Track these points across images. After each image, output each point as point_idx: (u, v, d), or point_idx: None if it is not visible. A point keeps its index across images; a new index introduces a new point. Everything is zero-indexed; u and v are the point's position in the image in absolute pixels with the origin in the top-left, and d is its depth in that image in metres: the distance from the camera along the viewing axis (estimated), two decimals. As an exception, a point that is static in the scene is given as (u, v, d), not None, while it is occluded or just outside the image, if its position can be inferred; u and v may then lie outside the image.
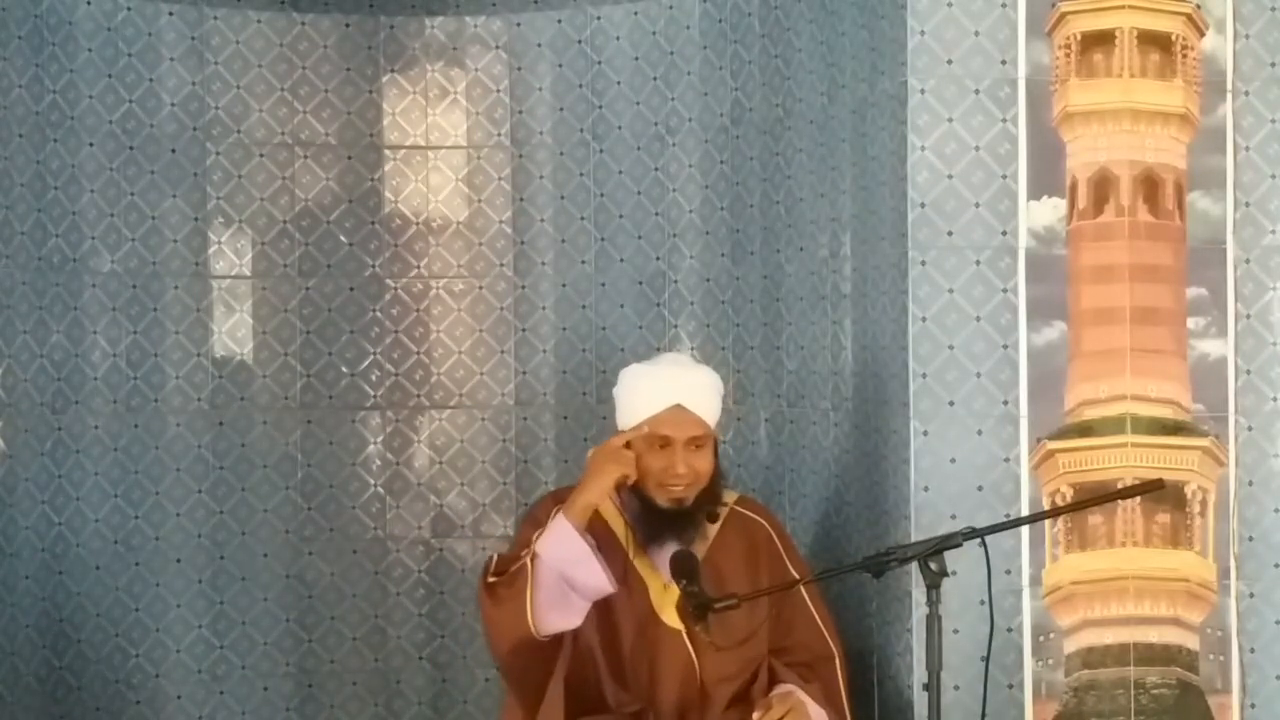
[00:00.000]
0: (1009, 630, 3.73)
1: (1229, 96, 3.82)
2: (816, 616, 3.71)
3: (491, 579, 3.55)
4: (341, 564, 4.61)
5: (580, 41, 4.59)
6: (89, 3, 4.42)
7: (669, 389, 3.63)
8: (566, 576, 3.48)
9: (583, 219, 4.62)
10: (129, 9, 4.45)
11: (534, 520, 3.68)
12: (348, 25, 4.60)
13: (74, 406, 4.44)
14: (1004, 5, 3.73)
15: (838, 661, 3.69)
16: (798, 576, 3.70)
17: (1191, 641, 3.82)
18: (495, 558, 3.62)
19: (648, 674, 3.63)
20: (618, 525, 3.69)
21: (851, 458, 4.01)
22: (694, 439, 3.61)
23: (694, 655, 3.62)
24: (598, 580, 3.49)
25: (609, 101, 4.58)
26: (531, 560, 3.48)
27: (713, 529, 3.71)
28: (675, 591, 3.60)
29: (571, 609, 3.51)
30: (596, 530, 3.66)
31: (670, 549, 3.61)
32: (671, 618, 3.61)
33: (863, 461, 3.95)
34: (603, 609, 3.61)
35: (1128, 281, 3.78)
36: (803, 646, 3.69)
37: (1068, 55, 3.76)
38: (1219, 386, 3.83)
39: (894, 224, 3.78)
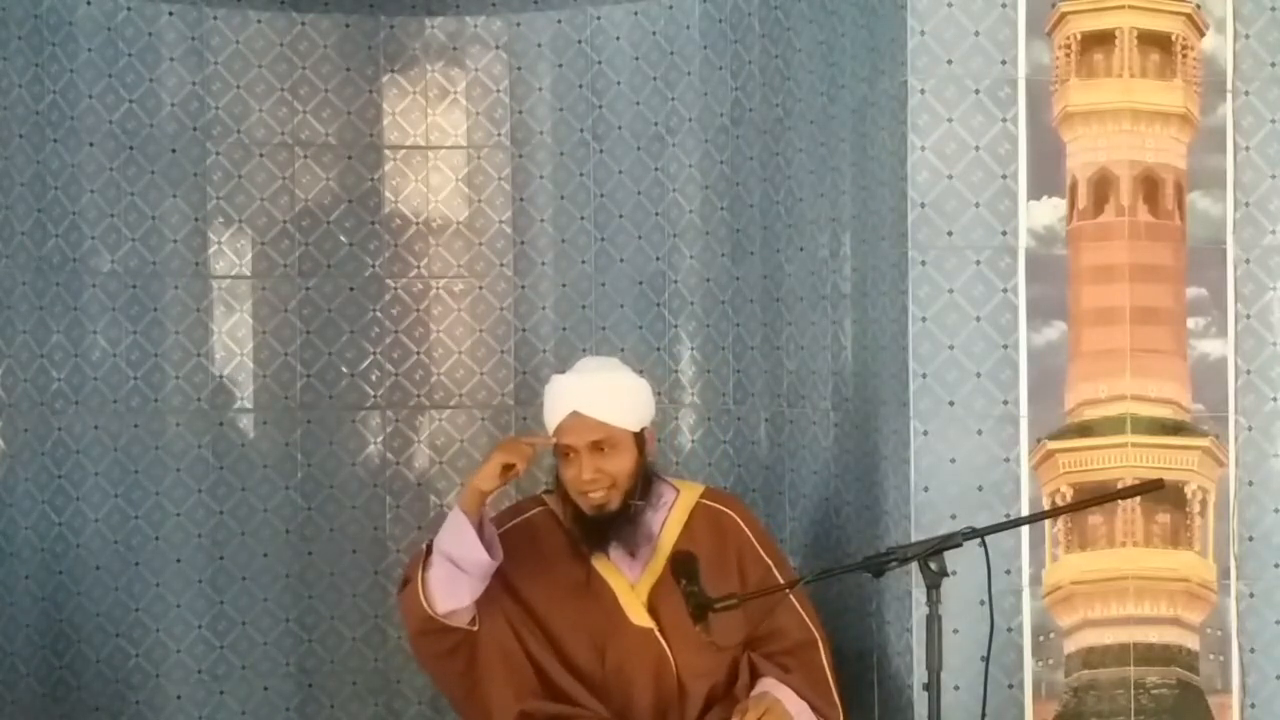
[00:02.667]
0: (1009, 630, 3.73)
1: (1229, 96, 3.82)
2: (795, 602, 3.68)
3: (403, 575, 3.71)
4: (341, 564, 4.61)
5: (580, 41, 4.59)
6: (89, 3, 4.42)
7: (563, 398, 3.66)
8: (452, 555, 3.54)
9: (583, 219, 4.62)
10: (129, 9, 4.45)
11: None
12: (348, 25, 4.60)
13: (74, 406, 4.44)
14: (1004, 5, 3.73)
15: (820, 646, 3.69)
16: (770, 561, 3.72)
17: (1191, 641, 3.82)
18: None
19: (621, 677, 3.62)
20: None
21: (851, 458, 4.01)
22: (595, 443, 3.62)
23: (669, 652, 3.62)
24: (475, 552, 3.53)
25: (609, 101, 4.58)
26: (427, 545, 3.60)
27: (679, 523, 3.70)
28: (644, 590, 3.62)
29: (459, 586, 3.56)
30: (556, 538, 3.68)
31: (622, 550, 3.63)
32: (641, 617, 3.62)
33: (863, 461, 3.95)
34: (568, 618, 3.62)
35: (1128, 281, 3.78)
36: (783, 634, 3.68)
37: (1068, 55, 3.76)
38: (1219, 386, 3.83)
39: (894, 224, 3.78)
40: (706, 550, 3.65)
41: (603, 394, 3.65)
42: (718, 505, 3.79)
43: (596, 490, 3.61)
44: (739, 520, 3.77)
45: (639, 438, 3.67)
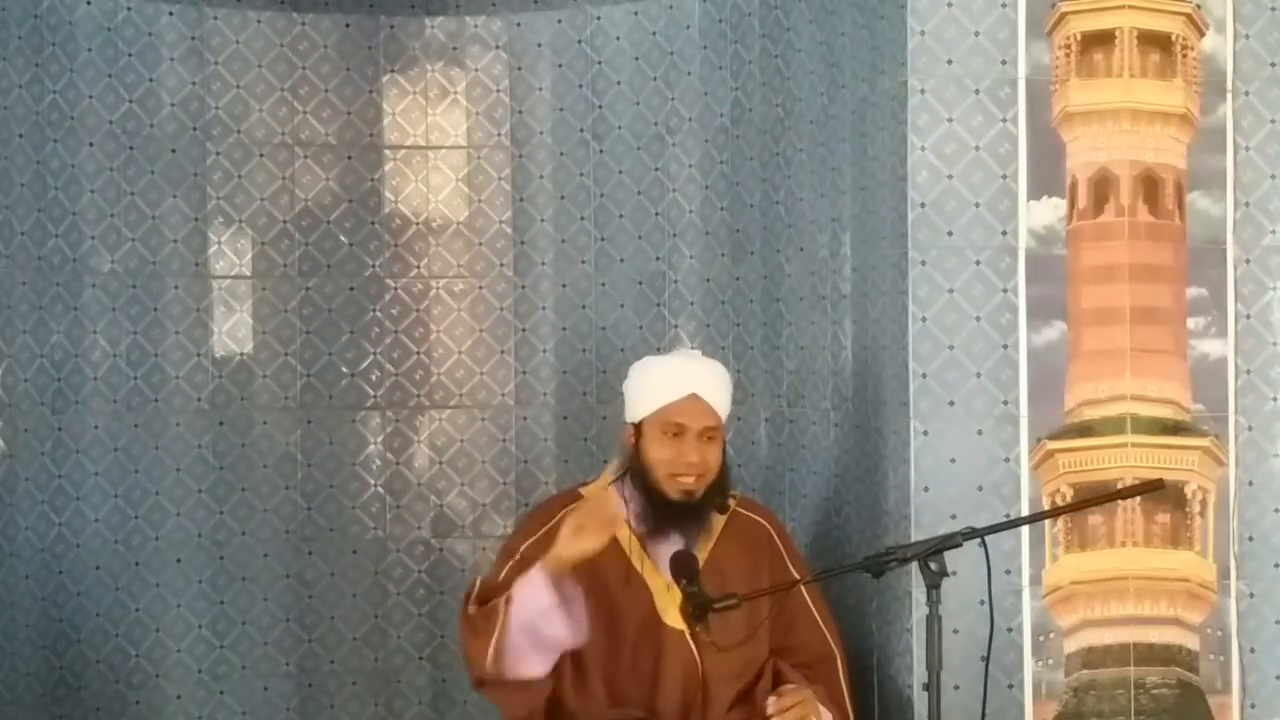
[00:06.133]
0: (1009, 630, 3.73)
1: (1229, 96, 3.82)
2: (818, 617, 3.72)
3: (471, 609, 3.60)
4: (341, 564, 4.62)
5: (580, 41, 4.59)
6: (89, 3, 4.42)
7: (684, 378, 3.65)
8: (534, 628, 3.48)
9: (583, 219, 4.62)
10: (129, 9, 4.45)
11: (523, 533, 3.72)
12: (348, 25, 4.60)
13: (74, 406, 4.44)
14: (1004, 5, 3.72)
15: (839, 662, 3.70)
16: (797, 576, 3.71)
17: (1191, 641, 3.82)
18: (479, 584, 3.65)
19: (650, 676, 3.63)
20: (620, 528, 3.69)
21: (851, 458, 4.01)
22: (708, 429, 3.63)
23: (697, 656, 3.62)
24: (561, 634, 3.49)
25: (609, 101, 4.58)
26: (506, 603, 3.50)
27: (717, 529, 3.71)
28: (679, 593, 3.61)
29: (537, 657, 3.51)
30: None
31: (673, 547, 3.62)
32: (675, 619, 3.61)
33: (863, 461, 3.95)
34: (604, 612, 3.62)
35: (1128, 281, 3.78)
36: (804, 647, 3.70)
37: (1068, 55, 3.76)
38: (1219, 386, 3.83)
39: (894, 224, 3.78)
40: (739, 557, 3.68)
41: (718, 383, 3.69)
42: (753, 515, 3.80)
43: (691, 475, 3.61)
44: (773, 533, 3.79)
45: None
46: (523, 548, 3.64)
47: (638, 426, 3.68)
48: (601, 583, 3.65)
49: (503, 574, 3.62)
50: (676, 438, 3.61)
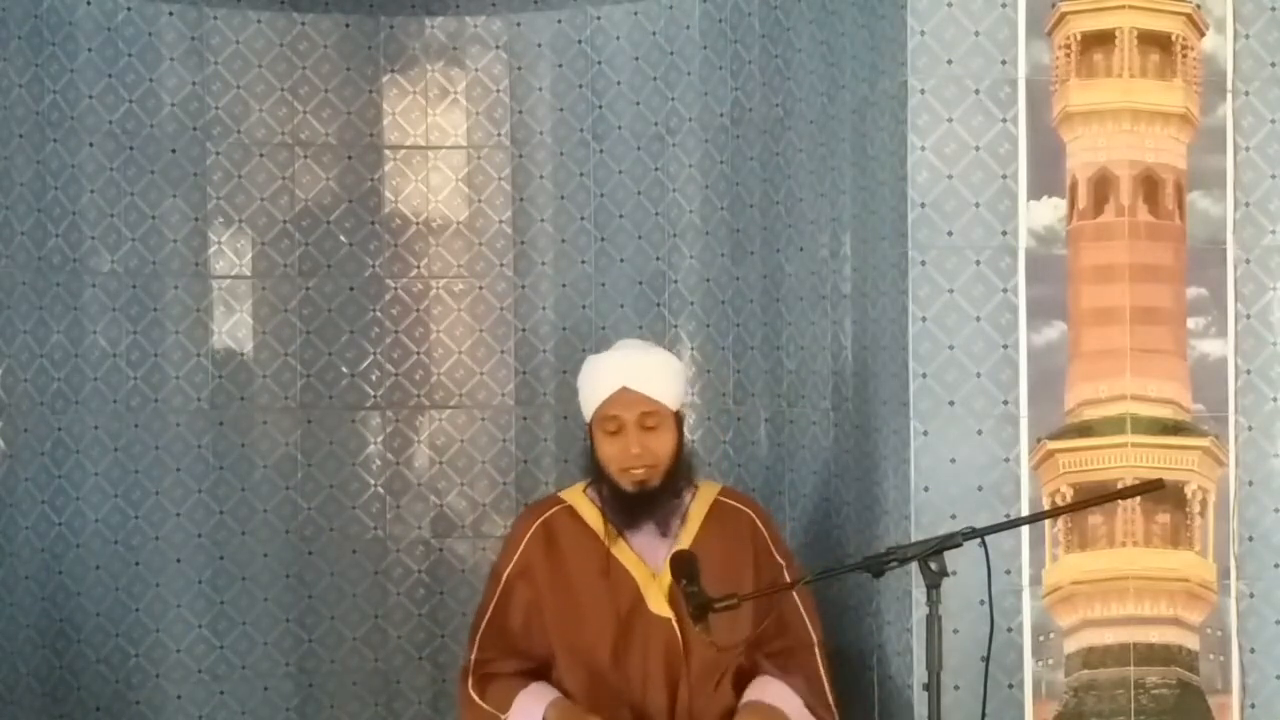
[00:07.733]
0: (1009, 630, 3.73)
1: (1229, 96, 3.82)
2: (799, 604, 3.71)
3: (472, 693, 3.67)
4: (341, 564, 4.62)
5: (580, 41, 4.59)
6: (89, 3, 4.42)
7: (613, 373, 3.67)
8: None
9: (583, 219, 4.62)
10: (129, 9, 4.45)
11: (505, 554, 3.76)
12: (348, 25, 4.60)
13: (74, 406, 4.44)
14: (1004, 5, 3.73)
15: (817, 649, 3.71)
16: (783, 564, 3.73)
17: (1191, 641, 3.82)
18: (475, 652, 3.71)
19: (636, 664, 3.63)
20: (595, 520, 3.70)
21: (851, 458, 4.01)
22: (645, 416, 3.63)
23: (682, 643, 3.62)
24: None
25: (609, 101, 4.58)
26: None
27: (699, 517, 3.71)
28: (664, 579, 3.62)
29: None
30: (575, 531, 3.69)
31: (649, 535, 3.64)
32: (659, 606, 3.62)
33: (863, 461, 3.95)
34: (577, 609, 3.63)
35: (1128, 281, 3.78)
36: (784, 632, 3.69)
37: (1068, 55, 3.76)
38: (1219, 386, 3.83)
39: (894, 224, 3.78)
40: (723, 546, 3.68)
41: (651, 371, 3.68)
42: (736, 504, 3.80)
43: (640, 466, 3.62)
44: (756, 521, 3.79)
45: (678, 419, 3.69)
46: (505, 573, 3.72)
47: (590, 428, 3.71)
48: (580, 578, 3.65)
49: (491, 606, 3.72)
50: (617, 434, 3.64)
